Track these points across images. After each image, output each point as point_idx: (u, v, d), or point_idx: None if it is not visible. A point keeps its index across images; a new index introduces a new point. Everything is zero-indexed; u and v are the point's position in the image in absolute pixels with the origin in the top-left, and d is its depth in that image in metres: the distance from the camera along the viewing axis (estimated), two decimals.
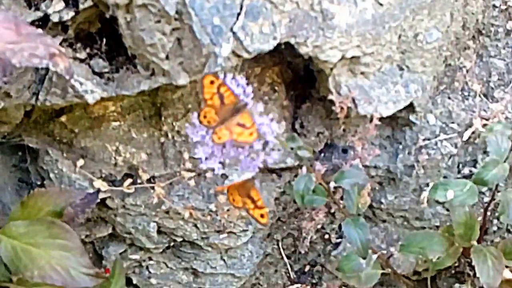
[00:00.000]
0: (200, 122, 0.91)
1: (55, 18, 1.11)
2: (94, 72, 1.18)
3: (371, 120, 1.28)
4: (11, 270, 1.00)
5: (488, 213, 1.38)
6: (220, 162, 0.92)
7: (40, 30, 0.83)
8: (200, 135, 0.92)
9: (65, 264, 1.00)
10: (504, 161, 1.19)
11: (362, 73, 1.26)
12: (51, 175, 1.29)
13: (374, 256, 1.27)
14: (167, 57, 1.12)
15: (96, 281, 1.02)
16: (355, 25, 1.21)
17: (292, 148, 1.09)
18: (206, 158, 0.92)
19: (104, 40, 1.18)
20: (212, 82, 0.91)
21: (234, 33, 1.10)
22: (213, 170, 0.92)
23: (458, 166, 1.40)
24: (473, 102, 1.39)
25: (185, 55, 1.11)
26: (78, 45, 1.18)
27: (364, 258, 1.20)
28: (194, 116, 0.92)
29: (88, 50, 1.18)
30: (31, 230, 1.02)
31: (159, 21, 1.09)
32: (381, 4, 1.23)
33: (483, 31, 1.42)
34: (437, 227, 1.40)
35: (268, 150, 0.94)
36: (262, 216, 1.01)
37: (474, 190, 1.23)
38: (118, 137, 1.31)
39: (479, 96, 1.39)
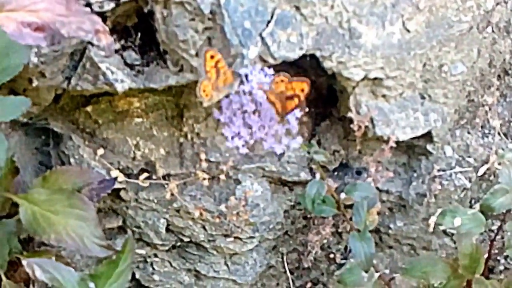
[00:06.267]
0: (200, 95, 1.07)
1: (96, 8, 1.30)
2: (125, 63, 1.36)
3: (387, 142, 1.45)
4: (29, 231, 1.19)
5: (496, 251, 1.55)
6: (245, 141, 1.10)
7: (87, 9, 1.02)
8: (227, 117, 1.11)
9: (80, 232, 1.18)
10: None
11: (383, 95, 1.43)
12: (72, 160, 1.47)
13: (376, 274, 1.43)
14: (196, 54, 1.29)
15: (107, 253, 1.20)
16: (381, 47, 1.38)
17: (309, 153, 1.28)
18: (232, 137, 1.09)
19: (139, 34, 1.39)
20: (212, 57, 1.08)
21: (262, 38, 1.29)
22: (237, 148, 1.09)
23: (470, 201, 1.56)
24: (492, 139, 1.56)
25: None
26: (114, 36, 1.36)
27: (366, 272, 1.37)
28: (223, 102, 1.10)
29: (122, 42, 1.37)
30: (52, 198, 1.20)
31: (193, 19, 1.27)
32: (408, 31, 1.40)
33: (509, 71, 1.58)
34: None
35: (292, 135, 1.10)
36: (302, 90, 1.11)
37: (482, 219, 1.38)
38: (139, 133, 1.48)
39: (499, 134, 1.56)
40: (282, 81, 1.09)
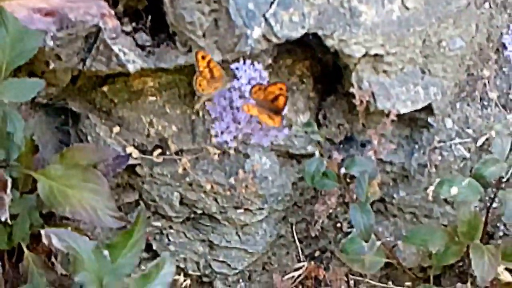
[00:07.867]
0: (196, 89, 1.13)
1: None
2: (137, 45, 1.42)
3: (388, 115, 1.50)
4: (46, 205, 1.26)
5: (494, 217, 1.59)
6: (234, 137, 1.12)
7: None
8: (218, 112, 1.14)
9: (94, 205, 1.24)
10: (505, 161, 1.40)
11: (384, 71, 1.48)
12: (89, 138, 1.53)
13: (378, 243, 1.48)
14: (203, 35, 1.35)
15: (119, 224, 1.26)
16: (381, 24, 1.42)
17: (306, 132, 1.33)
18: (222, 132, 1.12)
19: (149, 17, 1.44)
20: (203, 57, 1.13)
21: (266, 19, 1.34)
22: (226, 143, 1.12)
23: (470, 171, 1.60)
24: (491, 111, 1.60)
25: (220, 34, 1.35)
26: (126, 19, 1.42)
27: (366, 242, 1.42)
28: (215, 95, 1.14)
29: (134, 24, 1.43)
30: (68, 173, 1.26)
31: (199, 2, 1.33)
32: (407, 8, 1.45)
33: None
34: (445, 225, 1.61)
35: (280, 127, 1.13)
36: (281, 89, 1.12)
37: (478, 188, 1.42)
38: (153, 111, 1.54)
39: (497, 105, 1.60)
40: (259, 89, 1.11)
